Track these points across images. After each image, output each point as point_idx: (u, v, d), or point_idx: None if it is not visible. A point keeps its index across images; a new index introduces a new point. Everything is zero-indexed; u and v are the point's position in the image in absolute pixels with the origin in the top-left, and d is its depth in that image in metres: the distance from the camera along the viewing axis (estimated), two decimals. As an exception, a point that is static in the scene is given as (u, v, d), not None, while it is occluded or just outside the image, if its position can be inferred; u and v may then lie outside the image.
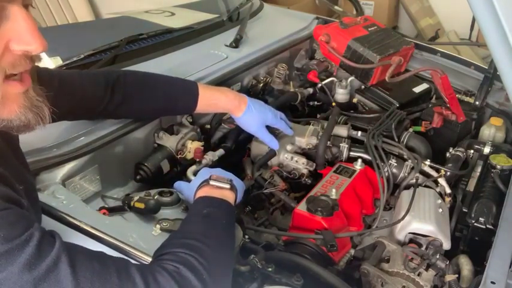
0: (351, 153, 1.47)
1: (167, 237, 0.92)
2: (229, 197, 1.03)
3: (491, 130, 1.62)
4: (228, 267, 0.90)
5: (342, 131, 1.52)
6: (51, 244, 0.67)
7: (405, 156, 1.44)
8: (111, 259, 0.74)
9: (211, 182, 1.04)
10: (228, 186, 1.04)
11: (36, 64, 0.73)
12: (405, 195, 1.31)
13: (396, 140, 1.49)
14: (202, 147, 1.40)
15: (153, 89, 1.28)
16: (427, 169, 1.41)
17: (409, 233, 1.21)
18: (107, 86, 1.20)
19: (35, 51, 0.69)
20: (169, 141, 1.40)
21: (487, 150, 1.47)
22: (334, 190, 1.26)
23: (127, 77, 1.26)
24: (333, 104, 1.75)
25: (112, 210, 1.13)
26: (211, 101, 1.33)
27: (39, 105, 0.73)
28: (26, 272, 0.63)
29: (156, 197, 1.13)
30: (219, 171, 1.11)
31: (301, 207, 1.22)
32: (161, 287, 0.74)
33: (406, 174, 1.41)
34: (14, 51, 0.67)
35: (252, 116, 1.35)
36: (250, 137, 1.51)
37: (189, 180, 1.31)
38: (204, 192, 1.03)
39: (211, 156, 1.38)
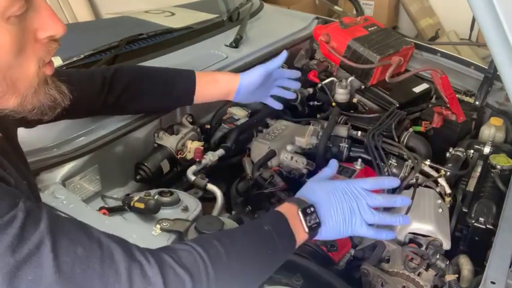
0: (351, 153, 1.47)
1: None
2: (301, 234, 0.89)
3: (491, 130, 1.61)
4: None
5: (342, 131, 1.52)
6: (35, 226, 0.64)
7: (405, 156, 1.44)
8: (98, 243, 0.69)
9: (299, 213, 0.90)
10: (306, 229, 0.89)
11: None
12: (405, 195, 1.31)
13: (396, 140, 1.49)
14: (202, 147, 1.40)
15: (151, 80, 1.28)
16: (427, 169, 1.41)
17: (409, 233, 1.21)
18: (105, 80, 1.21)
19: (59, 35, 0.72)
20: (169, 141, 1.40)
21: (487, 150, 1.47)
22: (334, 190, 1.26)
23: (124, 70, 1.26)
24: (333, 104, 1.75)
25: (112, 210, 1.13)
26: (209, 77, 1.33)
27: (58, 84, 0.79)
28: (8, 254, 0.61)
29: (156, 197, 1.13)
30: None
31: (301, 207, 1.22)
32: (145, 279, 0.69)
33: (406, 174, 1.41)
34: (41, 40, 0.70)
35: (251, 72, 1.35)
36: (250, 137, 1.51)
37: (189, 180, 1.31)
38: (288, 210, 0.91)
39: (211, 156, 1.38)
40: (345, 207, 0.93)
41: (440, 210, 1.25)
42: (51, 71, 0.76)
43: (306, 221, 0.90)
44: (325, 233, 0.93)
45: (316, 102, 1.81)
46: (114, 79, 1.22)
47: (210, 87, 1.33)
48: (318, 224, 0.92)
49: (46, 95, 0.76)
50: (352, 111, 1.69)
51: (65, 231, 0.68)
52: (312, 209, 0.92)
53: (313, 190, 0.97)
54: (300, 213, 0.90)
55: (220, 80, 1.34)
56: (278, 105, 1.45)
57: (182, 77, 1.32)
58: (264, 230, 0.85)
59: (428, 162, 1.42)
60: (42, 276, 0.63)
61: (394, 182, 1.01)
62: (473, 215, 1.21)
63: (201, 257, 0.74)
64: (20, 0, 0.65)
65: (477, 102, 1.69)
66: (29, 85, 0.72)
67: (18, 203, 0.65)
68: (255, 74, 1.34)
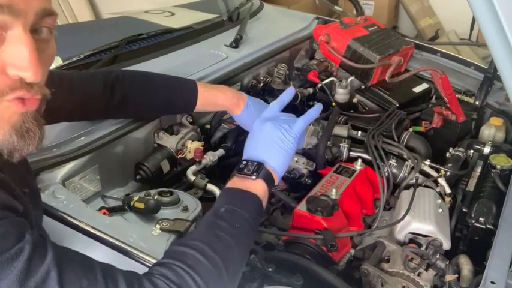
0: (351, 153, 1.47)
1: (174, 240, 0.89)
2: (253, 187, 0.94)
3: (491, 130, 1.62)
4: (229, 283, 0.84)
5: (342, 131, 1.52)
6: (41, 257, 0.65)
7: (405, 156, 1.44)
8: (102, 274, 0.70)
9: (237, 174, 0.97)
10: (253, 177, 0.95)
11: (44, 94, 0.70)
12: (405, 195, 1.31)
13: (396, 140, 1.49)
14: (202, 147, 1.40)
15: (152, 89, 1.28)
16: (427, 169, 1.41)
17: (409, 233, 1.21)
18: (106, 86, 1.20)
19: (28, 79, 0.65)
20: (169, 141, 1.40)
21: (487, 150, 1.47)
22: (334, 190, 1.26)
23: (126, 77, 1.26)
24: (333, 104, 1.75)
25: (112, 210, 1.13)
26: (210, 99, 1.33)
27: (31, 129, 0.70)
28: (16, 287, 0.61)
29: (156, 197, 1.13)
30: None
31: (301, 207, 1.22)
32: None
33: (406, 174, 1.41)
34: (11, 76, 0.64)
35: (251, 114, 1.35)
36: (250, 137, 1.51)
37: (189, 180, 1.31)
38: (231, 183, 0.97)
39: (211, 156, 1.38)
40: (273, 135, 1.03)
41: (440, 210, 1.25)
42: (21, 109, 0.67)
43: (245, 172, 0.95)
44: (276, 163, 0.99)
45: (316, 102, 1.81)
46: (115, 86, 1.21)
47: (209, 107, 1.37)
48: (260, 165, 0.97)
49: (5, 136, 0.67)
50: (352, 111, 1.69)
51: (70, 263, 0.68)
52: (244, 162, 0.98)
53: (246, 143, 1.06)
54: (236, 173, 0.96)
55: (219, 104, 1.35)
56: None
57: (184, 90, 1.31)
58: (222, 212, 0.89)
59: (428, 162, 1.42)
60: None
61: (318, 108, 1.15)
62: (473, 215, 1.21)
63: (185, 270, 0.76)
64: None
65: (477, 102, 1.69)
66: None
67: (24, 235, 0.65)
68: (252, 122, 1.34)
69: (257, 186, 0.96)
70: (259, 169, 0.97)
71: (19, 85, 0.65)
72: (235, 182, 0.97)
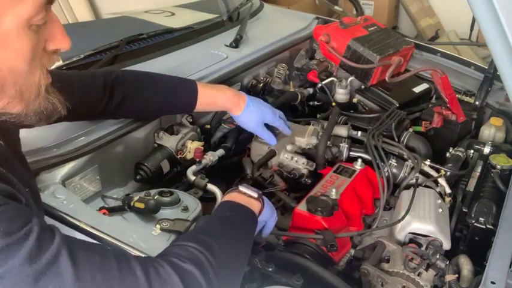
0: (351, 153, 1.47)
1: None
2: (254, 205, 1.03)
3: (491, 130, 1.62)
4: (237, 273, 0.89)
5: (342, 131, 1.52)
6: (50, 238, 0.67)
7: (405, 156, 1.44)
8: (112, 252, 0.73)
9: (241, 188, 1.06)
10: (255, 195, 1.05)
11: None
12: (405, 195, 1.31)
13: (396, 140, 1.49)
14: (202, 147, 1.40)
15: (152, 89, 1.28)
16: (427, 169, 1.41)
17: (409, 233, 1.21)
18: (106, 86, 1.20)
19: (64, 49, 0.76)
20: (169, 141, 1.40)
21: (487, 150, 1.48)
22: (334, 190, 1.26)
23: (126, 77, 1.26)
24: (333, 104, 1.75)
25: (112, 210, 1.13)
26: (210, 99, 1.33)
27: (57, 93, 0.81)
28: (27, 265, 0.63)
29: (156, 197, 1.13)
30: None
31: (301, 207, 1.22)
32: (162, 280, 0.73)
33: (406, 174, 1.41)
34: (48, 51, 0.75)
35: (251, 114, 1.36)
36: (250, 137, 1.51)
37: (189, 180, 1.31)
38: (231, 197, 1.05)
39: (211, 156, 1.38)
40: None
41: (440, 210, 1.25)
42: (50, 79, 0.78)
43: (251, 190, 1.05)
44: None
45: (316, 102, 1.81)
46: (115, 86, 1.21)
47: (209, 107, 1.38)
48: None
49: (48, 103, 0.79)
50: (352, 111, 1.69)
51: (79, 243, 0.71)
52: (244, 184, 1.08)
53: None
54: (239, 188, 1.06)
55: (219, 104, 1.36)
56: (272, 141, 1.44)
57: (184, 90, 1.32)
58: (228, 216, 0.98)
59: (428, 162, 1.42)
60: (63, 285, 0.64)
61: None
62: (473, 215, 1.22)
63: (198, 249, 0.81)
64: (43, 11, 0.69)
65: (477, 102, 1.69)
66: (35, 93, 0.75)
67: (31, 219, 0.67)
68: (253, 124, 1.38)
69: (255, 205, 1.04)
70: (261, 194, 1.07)
71: (54, 57, 0.77)
72: (235, 196, 1.05)
